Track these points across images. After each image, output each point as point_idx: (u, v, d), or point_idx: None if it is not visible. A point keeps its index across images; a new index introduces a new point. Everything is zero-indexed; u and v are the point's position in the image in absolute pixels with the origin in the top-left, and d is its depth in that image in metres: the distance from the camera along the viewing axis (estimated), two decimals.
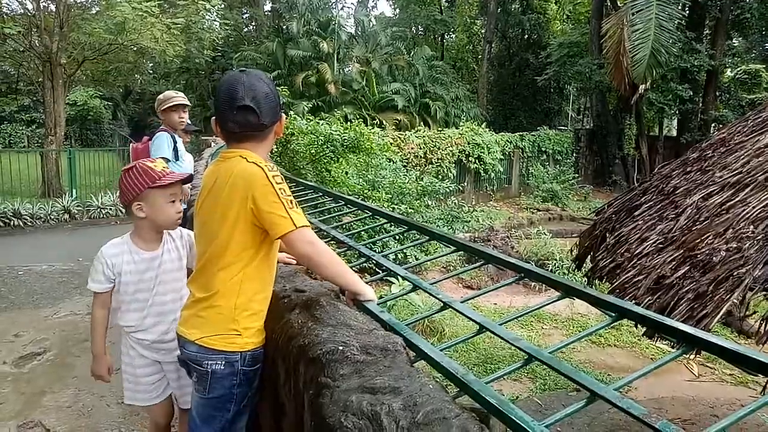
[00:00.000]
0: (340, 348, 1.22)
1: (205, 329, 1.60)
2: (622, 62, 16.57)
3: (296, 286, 1.68)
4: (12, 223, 10.31)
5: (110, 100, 28.22)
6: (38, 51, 13.83)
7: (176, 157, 3.95)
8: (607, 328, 1.52)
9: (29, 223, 10.50)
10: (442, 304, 1.65)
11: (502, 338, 1.37)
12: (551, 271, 9.87)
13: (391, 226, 2.95)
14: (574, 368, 1.25)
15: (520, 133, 19.45)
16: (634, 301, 2.86)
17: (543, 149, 19.77)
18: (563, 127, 23.58)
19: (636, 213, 3.79)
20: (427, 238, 2.31)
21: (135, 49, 15.13)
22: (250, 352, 1.62)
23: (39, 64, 14.39)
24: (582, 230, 5.16)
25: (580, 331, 7.18)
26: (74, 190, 12.42)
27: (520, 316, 1.83)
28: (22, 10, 14.00)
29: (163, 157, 3.82)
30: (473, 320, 1.50)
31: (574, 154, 20.74)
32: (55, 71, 13.90)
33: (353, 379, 1.15)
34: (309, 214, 3.05)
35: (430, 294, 1.73)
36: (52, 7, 13.81)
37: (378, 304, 1.56)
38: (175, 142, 3.99)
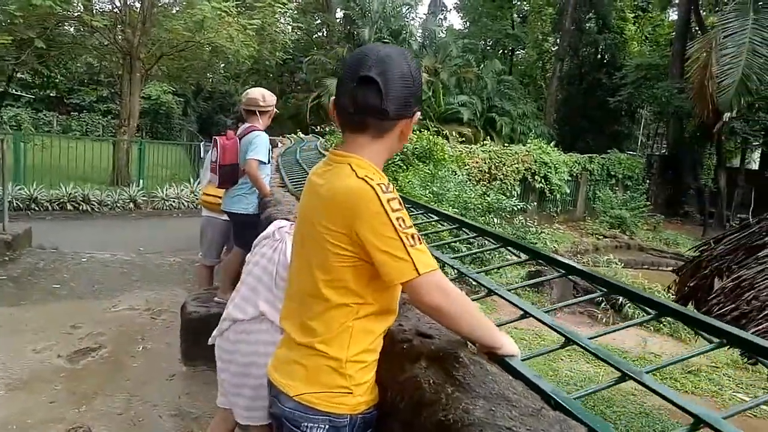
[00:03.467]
0: None
1: (308, 383, 1.24)
2: (707, 88, 15.61)
3: (418, 328, 1.31)
4: (81, 208, 10.59)
5: (182, 97, 29.18)
6: (121, 45, 14.35)
7: (268, 161, 3.72)
8: None
9: (97, 209, 10.75)
10: (563, 339, 1.28)
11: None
12: (620, 305, 9.15)
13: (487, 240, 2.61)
14: None
15: (590, 155, 18.63)
16: None
17: (612, 173, 18.88)
18: (633, 152, 22.51)
19: (761, 254, 3.27)
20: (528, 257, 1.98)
21: (210, 48, 15.48)
22: (362, 414, 1.24)
23: (120, 58, 14.94)
24: (678, 266, 4.62)
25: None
26: (141, 181, 12.70)
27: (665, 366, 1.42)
28: (110, 6, 14.59)
29: (258, 159, 3.62)
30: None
31: (647, 181, 19.65)
32: (134, 65, 14.39)
33: None
34: None
35: (558, 331, 1.34)
36: (137, 4, 14.30)
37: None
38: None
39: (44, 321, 3.98)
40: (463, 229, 2.60)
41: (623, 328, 1.68)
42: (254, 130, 3.61)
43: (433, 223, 2.84)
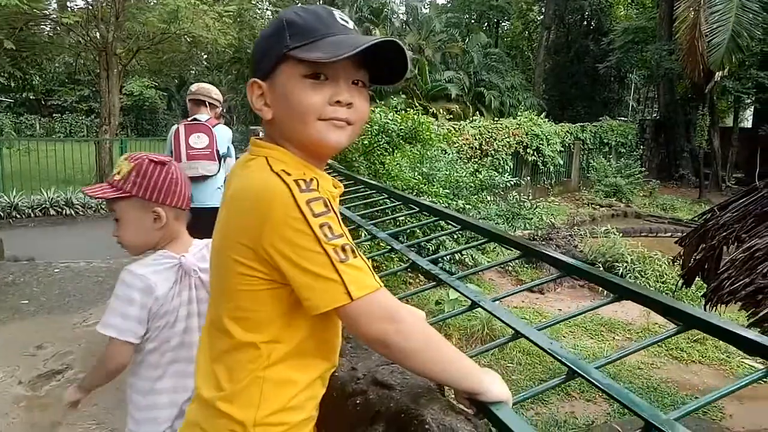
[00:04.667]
0: None
1: None
2: (697, 47, 15.30)
3: (375, 375, 1.00)
4: (64, 212, 10.29)
5: (165, 91, 28.62)
6: (96, 42, 13.93)
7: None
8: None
9: (80, 212, 10.45)
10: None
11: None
12: (620, 275, 8.96)
13: (447, 223, 2.43)
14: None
15: (581, 124, 18.36)
16: None
17: (605, 141, 18.66)
18: (624, 118, 22.28)
19: None
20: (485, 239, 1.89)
21: (188, 39, 15.07)
22: None
23: (96, 55, 14.51)
24: (682, 234, 4.38)
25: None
26: None
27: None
28: (82, 3, 14.19)
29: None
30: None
31: (641, 147, 19.42)
32: (110, 61, 13.97)
33: None
34: (360, 214, 2.50)
35: (500, 319, 1.13)
36: None
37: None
38: None
39: (7, 343, 3.72)
40: (447, 220, 2.37)
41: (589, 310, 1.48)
42: (216, 123, 3.50)
43: (417, 215, 2.61)
